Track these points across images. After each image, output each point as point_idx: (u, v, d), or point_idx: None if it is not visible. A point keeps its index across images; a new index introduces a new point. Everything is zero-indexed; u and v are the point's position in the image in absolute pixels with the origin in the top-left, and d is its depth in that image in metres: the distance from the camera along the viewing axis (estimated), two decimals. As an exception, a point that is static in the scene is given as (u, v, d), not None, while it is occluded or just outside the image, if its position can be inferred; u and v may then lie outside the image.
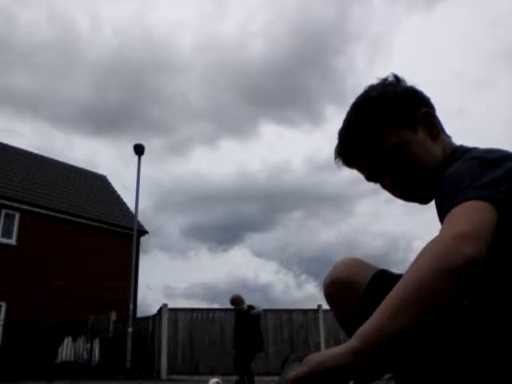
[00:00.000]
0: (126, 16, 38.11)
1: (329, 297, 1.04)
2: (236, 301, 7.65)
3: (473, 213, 0.73)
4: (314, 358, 0.71)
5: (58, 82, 37.12)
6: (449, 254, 0.68)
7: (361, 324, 0.71)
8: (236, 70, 39.08)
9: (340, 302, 1.02)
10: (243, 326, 7.48)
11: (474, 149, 0.94)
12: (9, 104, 33.46)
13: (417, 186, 0.98)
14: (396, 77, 1.03)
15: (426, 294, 0.67)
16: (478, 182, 0.77)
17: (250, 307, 7.58)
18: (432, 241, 0.73)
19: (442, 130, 1.02)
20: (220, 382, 6.92)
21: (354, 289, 0.98)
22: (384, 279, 0.95)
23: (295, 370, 0.72)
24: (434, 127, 0.99)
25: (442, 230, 0.74)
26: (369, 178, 1.04)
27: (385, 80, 1.03)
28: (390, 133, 0.97)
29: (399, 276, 0.92)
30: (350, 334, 1.04)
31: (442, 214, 0.79)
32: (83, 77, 33.70)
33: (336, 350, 0.70)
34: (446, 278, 0.67)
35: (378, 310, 0.71)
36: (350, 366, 0.68)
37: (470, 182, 0.77)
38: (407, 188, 0.99)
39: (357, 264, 1.02)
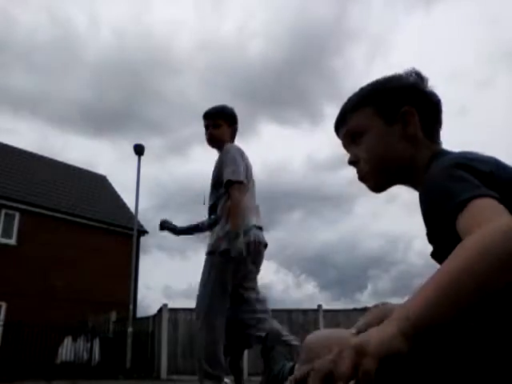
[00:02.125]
0: (124, 16, 38.16)
1: None
2: None
3: (493, 207, 0.72)
4: (375, 345, 0.62)
5: (57, 82, 37.14)
6: (500, 242, 0.65)
7: None
8: (235, 69, 39.12)
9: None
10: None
11: (450, 153, 0.95)
12: (7, 104, 33.45)
13: (368, 173, 1.04)
14: (416, 73, 1.04)
15: (481, 277, 0.64)
16: (471, 181, 0.77)
17: None
18: (473, 237, 0.69)
19: (430, 133, 1.01)
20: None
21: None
22: None
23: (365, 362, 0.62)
24: (408, 126, 0.99)
25: (467, 228, 0.72)
26: (345, 148, 1.11)
27: (402, 73, 1.05)
28: (364, 115, 1.03)
29: None
30: None
31: (442, 216, 0.77)
32: (82, 77, 33.73)
33: (386, 331, 0.64)
34: (501, 264, 0.64)
35: (422, 292, 0.66)
36: (404, 350, 0.62)
37: (464, 182, 0.77)
38: (360, 171, 1.05)
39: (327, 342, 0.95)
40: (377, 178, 1.05)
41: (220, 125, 3.15)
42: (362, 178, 1.07)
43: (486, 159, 0.86)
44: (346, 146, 1.09)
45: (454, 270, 0.65)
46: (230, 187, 2.89)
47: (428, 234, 0.89)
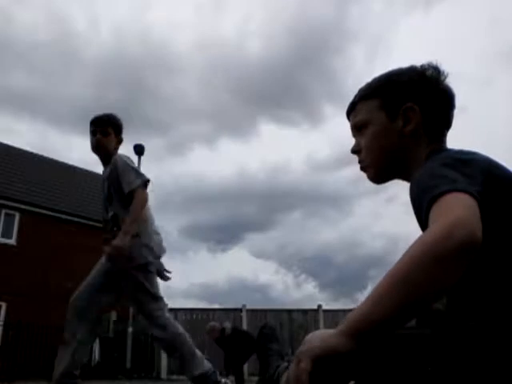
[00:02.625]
0: (124, 15, 38.15)
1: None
2: (214, 329, 7.48)
3: (457, 201, 0.72)
4: (312, 344, 0.69)
5: (56, 82, 37.16)
6: (439, 240, 0.66)
7: None
8: (235, 69, 39.12)
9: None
10: (235, 349, 7.31)
11: (448, 150, 0.96)
12: (7, 103, 33.46)
13: (367, 164, 1.07)
14: (434, 68, 1.03)
15: (413, 281, 0.65)
16: (450, 177, 0.77)
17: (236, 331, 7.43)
18: (422, 234, 0.72)
19: (432, 131, 1.00)
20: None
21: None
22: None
23: (296, 365, 0.69)
24: (409, 123, 0.99)
25: (430, 224, 0.73)
26: (352, 136, 1.13)
27: (419, 66, 1.04)
28: (370, 108, 1.04)
29: None
30: None
31: (422, 213, 0.78)
32: (82, 76, 33.75)
33: (328, 332, 0.70)
34: (437, 264, 0.65)
35: (367, 296, 0.71)
36: (342, 347, 0.67)
37: (442, 179, 0.77)
38: (361, 161, 1.08)
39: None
40: (376, 170, 1.06)
41: (109, 133, 3.07)
42: (362, 168, 1.09)
43: (478, 158, 0.86)
44: (353, 134, 1.11)
45: (393, 273, 0.68)
46: (135, 192, 2.83)
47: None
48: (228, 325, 7.61)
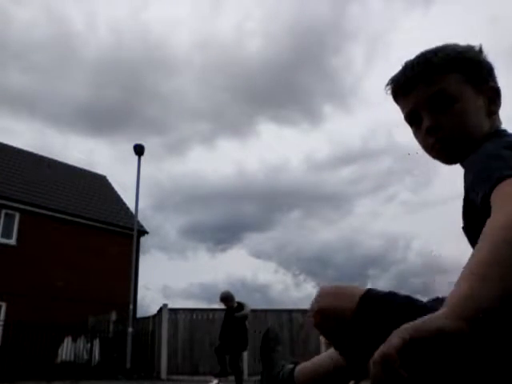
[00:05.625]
0: (122, 14, 38.11)
1: (317, 326, 1.03)
2: (227, 298, 7.61)
3: None
4: (413, 325, 0.64)
5: (54, 81, 37.08)
6: None
7: (353, 349, 0.66)
8: (234, 68, 39.07)
9: (329, 330, 1.01)
10: (231, 324, 7.49)
11: (509, 134, 0.97)
12: (5, 103, 33.45)
13: (451, 142, 0.99)
14: (480, 49, 1.04)
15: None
16: (506, 163, 0.78)
17: (240, 306, 7.57)
18: (492, 219, 0.71)
19: (496, 113, 1.03)
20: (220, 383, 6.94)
21: (341, 314, 0.96)
22: (372, 299, 0.94)
23: (388, 341, 0.63)
24: (493, 104, 1.01)
25: (496, 207, 0.73)
26: (408, 115, 1.05)
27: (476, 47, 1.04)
28: (456, 81, 0.98)
29: (388, 294, 0.92)
30: (346, 359, 1.03)
31: (479, 192, 0.79)
32: (80, 76, 33.67)
33: (432, 315, 0.65)
34: None
35: (461, 274, 0.68)
36: (449, 328, 0.62)
37: (507, 162, 0.78)
38: (442, 139, 1.00)
39: (340, 290, 1.01)
40: (456, 148, 1.00)
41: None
42: (437, 147, 1.02)
43: None
44: (420, 106, 1.02)
45: (486, 258, 0.67)
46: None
47: (464, 210, 0.92)
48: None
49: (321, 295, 1.02)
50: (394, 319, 0.72)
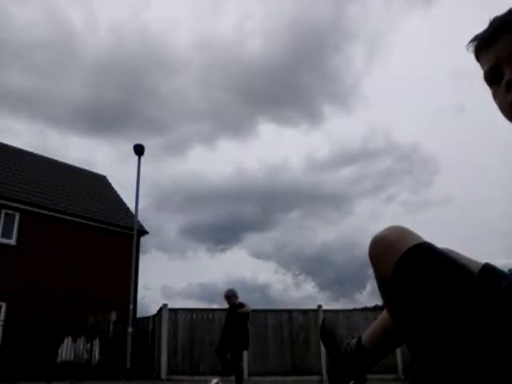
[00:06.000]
0: (122, 14, 38.11)
1: (370, 255, 1.01)
2: (231, 295, 7.65)
3: None
4: None
5: (54, 81, 37.11)
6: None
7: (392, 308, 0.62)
8: (234, 68, 39.08)
9: (379, 262, 0.99)
10: (234, 321, 7.51)
11: None
12: (4, 103, 33.46)
13: None
14: None
15: None
16: None
17: (241, 304, 7.59)
18: None
19: None
20: (220, 382, 6.94)
21: (395, 251, 0.94)
22: (423, 250, 0.91)
23: None
24: None
25: None
26: (489, 71, 0.96)
27: None
28: None
29: (441, 253, 0.89)
30: (384, 300, 1.02)
31: None
32: (79, 76, 33.74)
33: None
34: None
35: None
36: None
37: None
38: None
39: (406, 231, 0.99)
40: None
41: None
42: None
43: None
44: (503, 59, 0.94)
45: None
46: None
47: None
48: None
49: (387, 228, 1.01)
50: (437, 283, 0.69)
